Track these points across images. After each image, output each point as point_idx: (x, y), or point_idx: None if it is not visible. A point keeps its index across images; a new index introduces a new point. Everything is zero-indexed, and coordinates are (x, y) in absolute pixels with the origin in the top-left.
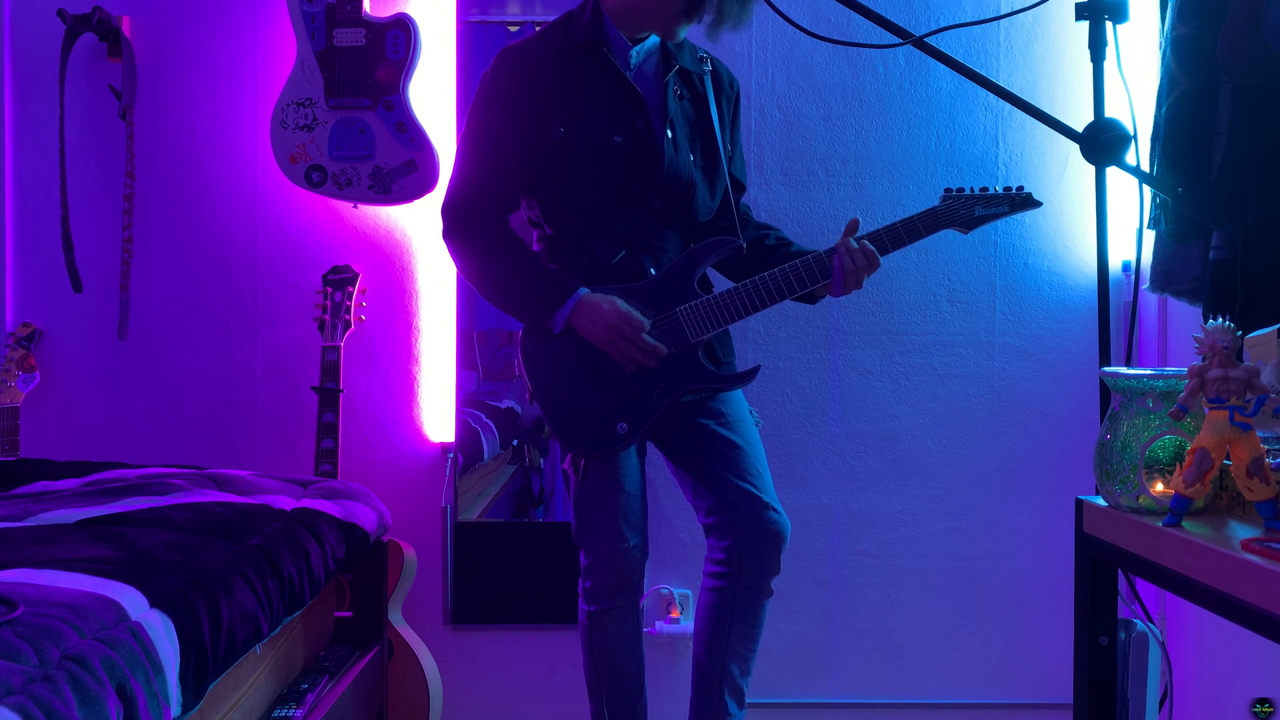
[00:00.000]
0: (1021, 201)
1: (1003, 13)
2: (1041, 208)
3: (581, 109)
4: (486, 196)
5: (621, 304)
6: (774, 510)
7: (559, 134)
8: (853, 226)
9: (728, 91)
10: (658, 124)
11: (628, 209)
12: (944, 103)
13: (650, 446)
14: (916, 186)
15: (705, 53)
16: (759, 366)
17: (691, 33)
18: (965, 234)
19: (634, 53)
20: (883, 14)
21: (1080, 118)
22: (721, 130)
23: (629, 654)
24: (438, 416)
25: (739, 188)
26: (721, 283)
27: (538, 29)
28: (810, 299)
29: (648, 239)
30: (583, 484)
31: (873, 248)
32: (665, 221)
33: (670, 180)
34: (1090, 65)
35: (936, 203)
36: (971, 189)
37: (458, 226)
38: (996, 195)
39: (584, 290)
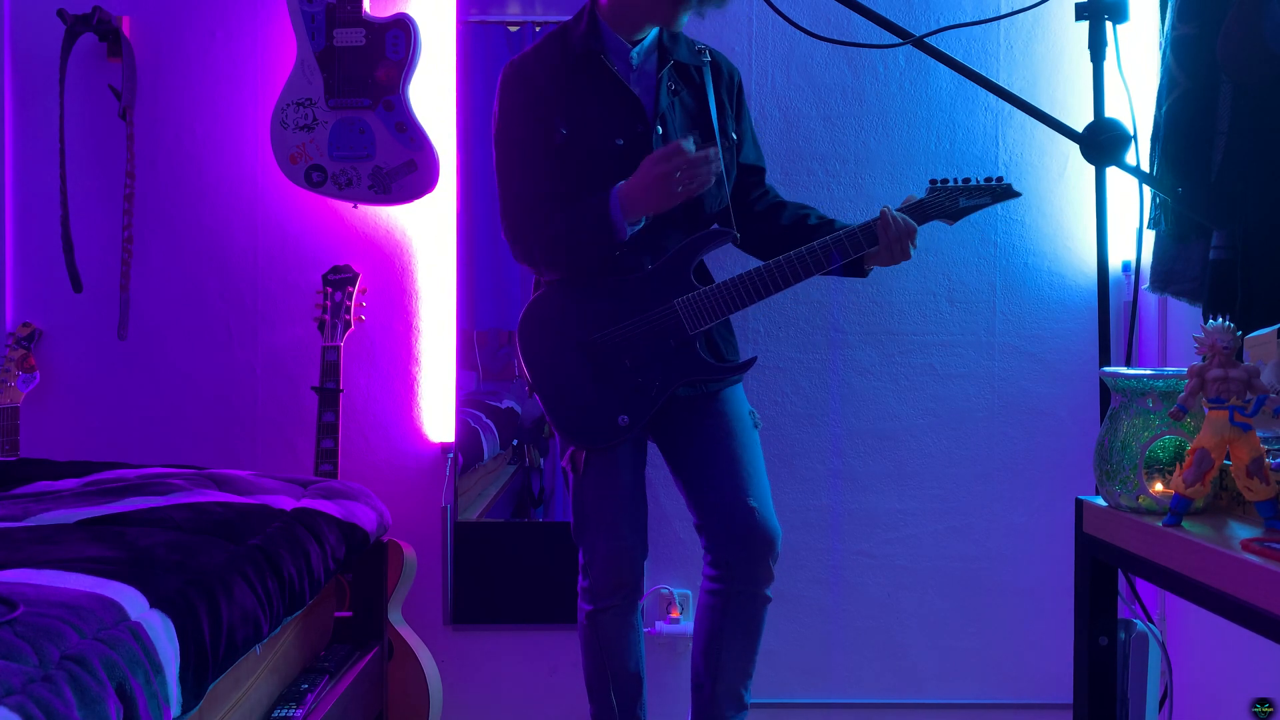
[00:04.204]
0: (1002, 192)
1: (1003, 13)
2: (1042, 208)
3: (584, 114)
4: (532, 204)
5: (647, 161)
6: (764, 516)
7: (561, 136)
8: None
9: (728, 81)
10: (660, 125)
11: None
12: (944, 103)
13: (651, 447)
14: (917, 187)
15: (703, 45)
16: (755, 358)
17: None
18: (950, 225)
19: (634, 54)
20: (883, 14)
21: (1080, 118)
22: (722, 121)
23: (628, 653)
24: (438, 416)
25: (756, 171)
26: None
27: (537, 29)
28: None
29: (650, 239)
30: (582, 482)
31: (852, 240)
32: (667, 220)
33: None
34: (1090, 65)
35: (922, 194)
36: (955, 180)
37: (521, 242)
38: (979, 186)
39: (615, 188)
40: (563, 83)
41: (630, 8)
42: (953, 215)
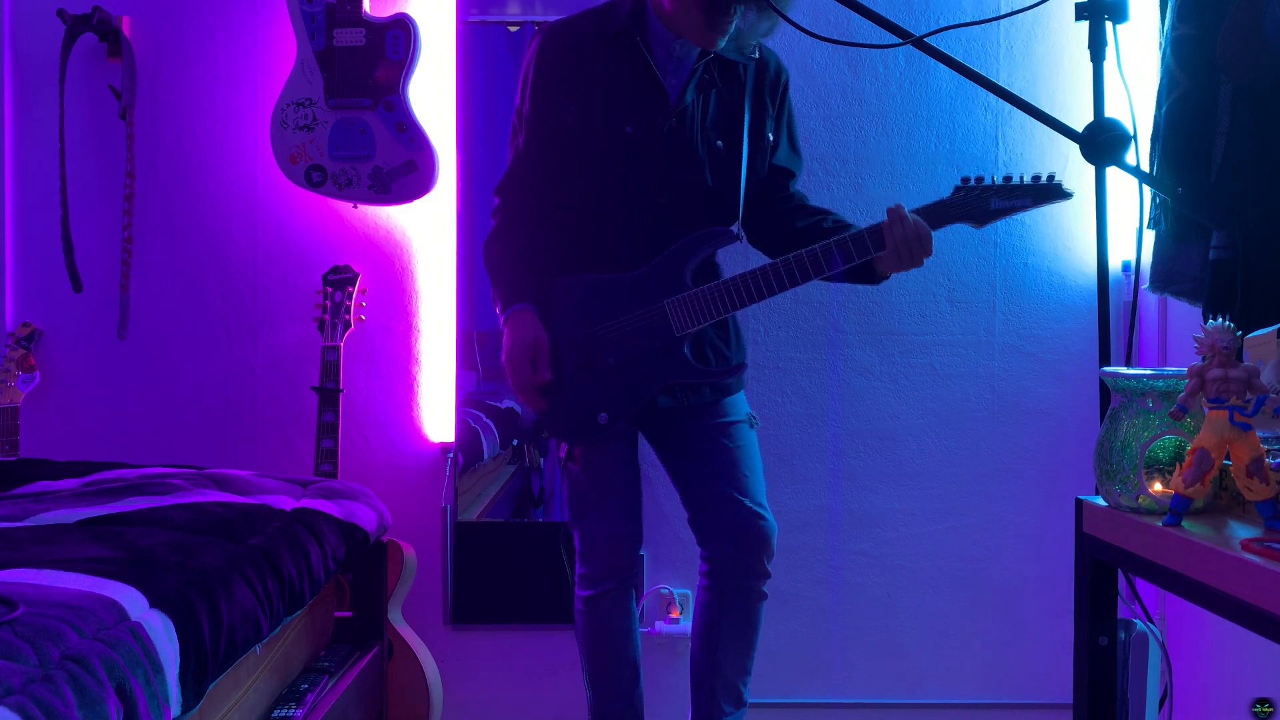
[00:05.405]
0: (1047, 193)
1: (1003, 13)
2: (1042, 208)
3: (600, 97)
4: (525, 177)
5: (531, 366)
6: (758, 515)
7: (573, 117)
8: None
9: (772, 79)
10: (677, 119)
11: (635, 201)
12: (944, 103)
13: (647, 447)
14: (916, 186)
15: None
16: (743, 364)
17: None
18: (978, 229)
19: (679, 42)
20: (883, 14)
21: (1080, 118)
22: (756, 121)
23: (625, 640)
24: (438, 416)
25: (786, 175)
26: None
27: (537, 28)
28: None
29: (661, 230)
30: (577, 471)
31: (857, 243)
32: (679, 214)
33: (671, 174)
34: (1090, 65)
35: (947, 194)
36: (992, 178)
37: (499, 213)
38: (1021, 185)
39: (519, 307)
40: (587, 60)
41: (671, 17)
42: (981, 219)
